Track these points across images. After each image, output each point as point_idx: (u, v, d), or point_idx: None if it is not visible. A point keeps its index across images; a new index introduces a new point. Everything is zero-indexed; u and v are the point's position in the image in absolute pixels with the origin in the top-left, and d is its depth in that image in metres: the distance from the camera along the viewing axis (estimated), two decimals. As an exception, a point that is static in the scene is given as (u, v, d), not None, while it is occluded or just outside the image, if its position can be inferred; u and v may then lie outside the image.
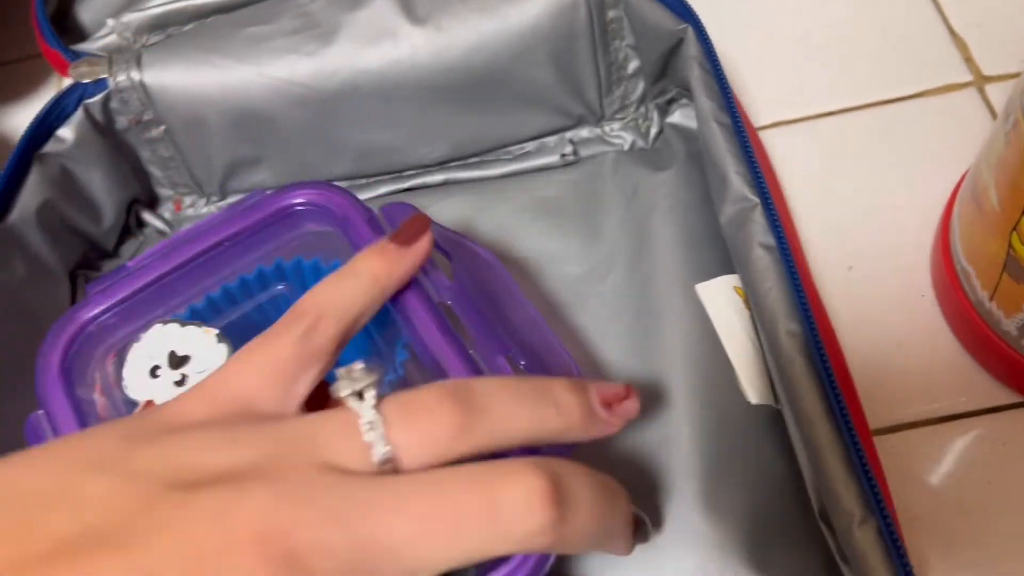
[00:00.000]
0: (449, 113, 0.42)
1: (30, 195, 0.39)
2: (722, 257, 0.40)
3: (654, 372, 0.37)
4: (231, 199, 0.46)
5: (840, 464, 0.28)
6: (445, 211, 0.43)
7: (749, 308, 0.37)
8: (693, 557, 0.34)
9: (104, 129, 0.42)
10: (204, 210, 0.46)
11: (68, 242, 0.42)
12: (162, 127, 0.42)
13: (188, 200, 0.46)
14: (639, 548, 0.30)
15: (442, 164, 0.45)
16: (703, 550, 0.34)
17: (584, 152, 0.44)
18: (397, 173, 0.45)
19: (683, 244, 0.40)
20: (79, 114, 0.41)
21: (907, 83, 0.47)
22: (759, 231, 0.33)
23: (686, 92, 0.42)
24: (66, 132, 0.41)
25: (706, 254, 0.40)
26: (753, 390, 0.36)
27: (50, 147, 0.40)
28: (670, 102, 0.43)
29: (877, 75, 0.48)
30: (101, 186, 0.42)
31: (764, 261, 0.32)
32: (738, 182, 0.34)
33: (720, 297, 0.37)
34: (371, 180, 0.45)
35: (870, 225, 0.43)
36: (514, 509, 0.19)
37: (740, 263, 0.34)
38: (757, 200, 0.33)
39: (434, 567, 0.19)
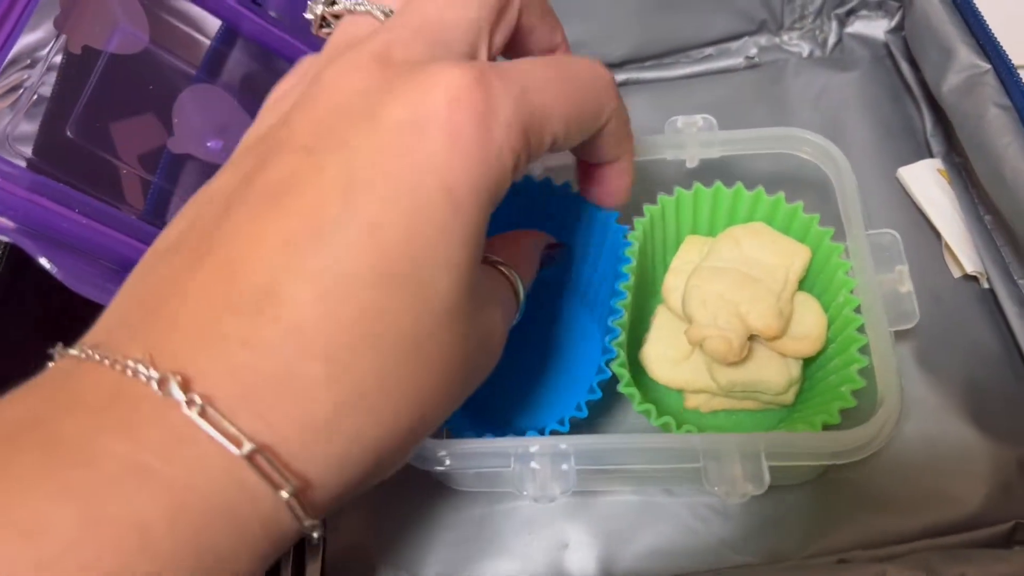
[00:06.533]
0: (641, 9, 0.44)
1: None
2: (916, 147, 0.41)
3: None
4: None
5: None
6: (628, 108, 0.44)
7: (953, 187, 0.38)
8: (914, 421, 0.34)
9: None
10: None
11: None
12: None
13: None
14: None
15: (622, 65, 0.46)
16: (922, 414, 0.34)
17: (762, 59, 0.45)
18: (577, 72, 0.46)
19: (878, 135, 0.41)
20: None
21: None
22: (993, 93, 0.34)
23: (867, 2, 0.44)
24: None
25: (901, 143, 0.41)
26: (967, 260, 0.36)
27: None
28: (849, 13, 0.45)
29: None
30: None
31: (1001, 120, 0.33)
32: (965, 52, 0.35)
33: (925, 178, 0.38)
34: (551, 78, 0.46)
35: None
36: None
37: (968, 127, 0.35)
38: (988, 66, 0.34)
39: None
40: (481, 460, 0.28)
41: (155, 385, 0.16)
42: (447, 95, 0.19)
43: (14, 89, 0.44)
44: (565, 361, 0.36)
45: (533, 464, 0.28)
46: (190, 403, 0.16)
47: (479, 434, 0.33)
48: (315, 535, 0.18)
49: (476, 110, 0.19)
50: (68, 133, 0.36)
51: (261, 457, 0.16)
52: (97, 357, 0.17)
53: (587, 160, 0.28)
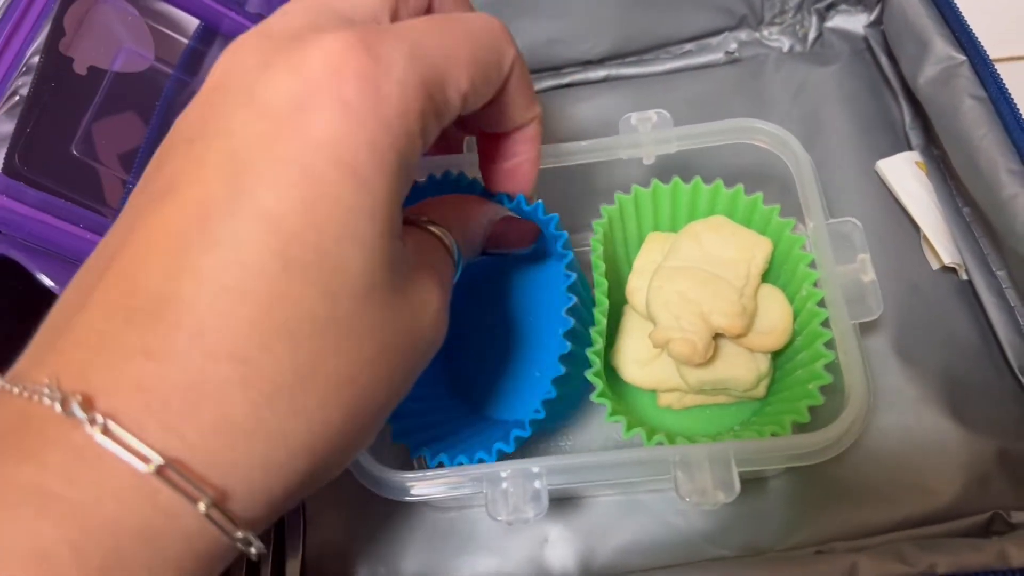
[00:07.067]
0: (620, 5, 0.44)
1: None
2: (895, 140, 0.41)
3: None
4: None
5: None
6: (608, 104, 0.44)
7: (931, 180, 0.38)
8: (893, 413, 0.34)
9: None
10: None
11: None
12: None
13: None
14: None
15: (602, 61, 0.46)
16: (901, 406, 0.34)
17: (743, 54, 0.45)
18: (557, 69, 0.46)
19: (857, 128, 0.41)
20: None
21: None
22: (968, 85, 0.34)
23: (847, -4, 0.44)
24: None
25: (879, 136, 0.41)
26: (945, 252, 0.36)
27: None
28: (829, 7, 0.45)
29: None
30: None
31: (976, 111, 0.33)
32: (941, 44, 0.35)
33: (903, 170, 0.38)
34: (532, 75, 0.46)
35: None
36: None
37: (944, 119, 0.35)
38: (964, 58, 0.34)
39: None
40: (451, 488, 0.28)
41: (58, 406, 0.15)
42: (326, 65, 0.18)
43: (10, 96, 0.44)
44: (537, 347, 0.35)
45: (504, 487, 0.27)
46: (92, 421, 0.15)
47: (455, 406, 0.33)
48: (252, 549, 0.17)
49: (362, 75, 0.18)
50: (48, 136, 0.36)
51: (171, 471, 0.16)
52: (8, 387, 0.16)
53: (495, 129, 0.26)
